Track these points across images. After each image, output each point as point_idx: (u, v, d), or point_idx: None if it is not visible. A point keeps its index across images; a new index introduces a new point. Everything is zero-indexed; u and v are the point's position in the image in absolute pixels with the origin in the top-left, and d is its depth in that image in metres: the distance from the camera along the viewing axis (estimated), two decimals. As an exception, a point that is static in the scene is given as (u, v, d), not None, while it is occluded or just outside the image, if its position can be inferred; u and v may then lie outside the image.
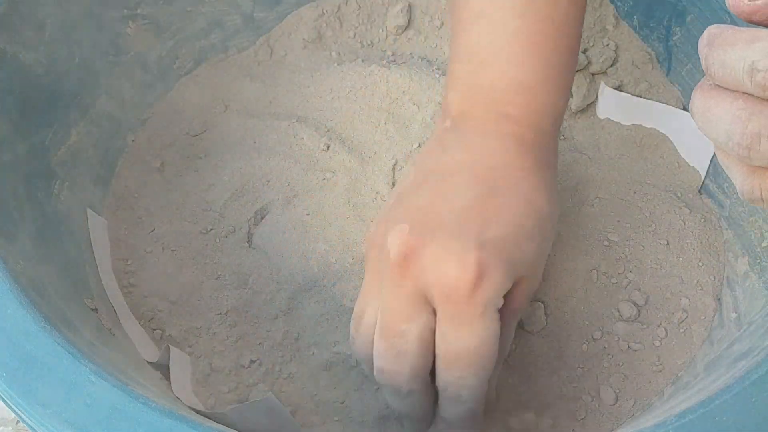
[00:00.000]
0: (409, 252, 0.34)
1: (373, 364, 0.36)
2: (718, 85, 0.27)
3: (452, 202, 0.35)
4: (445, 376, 0.35)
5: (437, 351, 0.35)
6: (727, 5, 0.27)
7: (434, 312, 0.34)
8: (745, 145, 0.26)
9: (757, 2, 0.26)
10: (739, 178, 0.28)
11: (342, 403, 0.42)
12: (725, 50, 0.26)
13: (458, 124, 0.39)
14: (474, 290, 0.33)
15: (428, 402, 0.37)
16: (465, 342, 0.34)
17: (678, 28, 0.51)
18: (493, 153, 0.38)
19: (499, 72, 0.39)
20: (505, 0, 0.39)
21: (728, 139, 0.26)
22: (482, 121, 0.39)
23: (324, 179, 0.50)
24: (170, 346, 0.41)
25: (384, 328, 0.35)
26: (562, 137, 0.52)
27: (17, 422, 0.52)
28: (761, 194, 0.28)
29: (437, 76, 0.54)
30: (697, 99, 0.28)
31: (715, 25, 0.27)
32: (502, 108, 0.39)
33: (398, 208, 0.37)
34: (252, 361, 0.43)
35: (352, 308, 0.44)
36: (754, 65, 0.25)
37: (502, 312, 0.34)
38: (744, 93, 0.26)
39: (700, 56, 0.28)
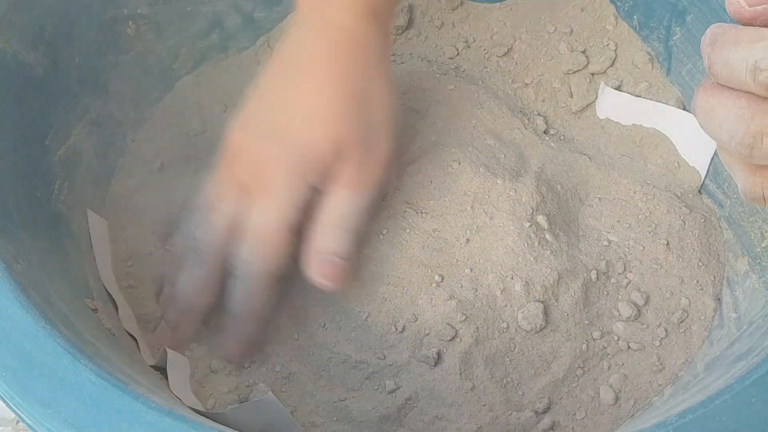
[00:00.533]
0: (230, 147, 0.43)
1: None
2: (721, 84, 0.27)
3: (265, 104, 0.44)
4: (235, 248, 0.42)
5: (238, 227, 0.42)
6: (727, 11, 0.27)
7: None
8: (748, 144, 0.26)
9: (757, 8, 0.26)
10: (741, 177, 0.28)
11: (342, 402, 0.42)
12: (728, 50, 0.26)
13: (296, 13, 0.45)
14: (262, 176, 0.42)
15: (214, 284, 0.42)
16: (256, 217, 0.41)
17: (678, 28, 0.51)
18: (304, 45, 0.43)
19: None
20: None
21: (731, 138, 0.27)
22: (309, 7, 0.44)
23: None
24: (167, 348, 0.41)
25: (206, 204, 0.43)
26: (561, 137, 0.52)
27: (17, 422, 0.52)
28: (763, 193, 0.28)
29: (437, 76, 0.54)
30: (700, 98, 0.28)
31: (717, 24, 0.27)
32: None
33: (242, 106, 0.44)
34: (252, 361, 0.43)
35: (353, 308, 0.44)
36: (757, 64, 0.25)
37: (334, 188, 0.42)
38: (746, 92, 0.26)
39: (702, 55, 0.28)
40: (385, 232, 0.45)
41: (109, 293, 0.44)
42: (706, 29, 0.28)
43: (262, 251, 0.41)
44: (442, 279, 0.44)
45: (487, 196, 0.47)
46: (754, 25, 0.27)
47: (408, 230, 0.45)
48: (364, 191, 0.43)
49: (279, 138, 0.42)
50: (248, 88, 0.55)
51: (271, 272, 0.42)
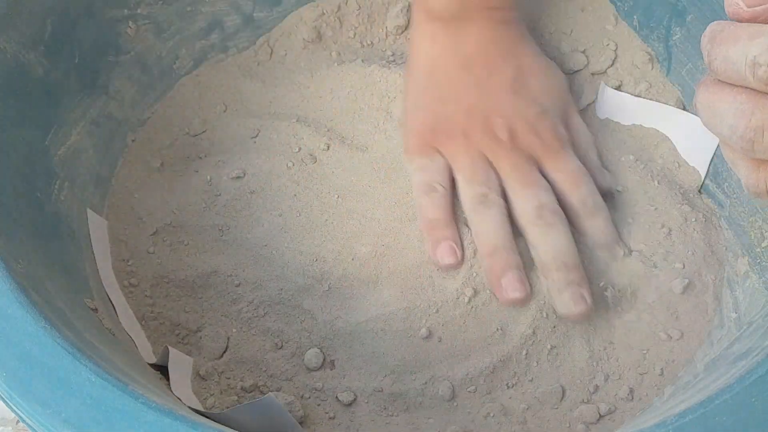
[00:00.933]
0: (512, 133, 0.47)
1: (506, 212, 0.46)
2: (721, 81, 0.27)
3: (506, 87, 0.48)
4: (579, 193, 0.47)
5: (560, 179, 0.47)
6: (726, 12, 0.28)
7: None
8: (749, 138, 0.26)
9: (756, 9, 0.27)
10: (744, 172, 0.28)
11: (342, 401, 0.42)
12: (728, 46, 0.26)
13: (449, 23, 0.48)
14: (555, 137, 0.48)
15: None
16: (572, 163, 0.48)
17: (678, 28, 0.51)
18: (475, 35, 0.48)
19: None
20: None
21: (732, 133, 0.27)
22: (472, 15, 0.48)
23: (324, 178, 0.50)
24: (168, 346, 0.41)
25: (521, 179, 0.47)
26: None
27: (17, 422, 0.52)
28: (766, 188, 0.28)
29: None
30: (701, 94, 0.28)
31: (717, 21, 0.27)
32: (487, 2, 0.48)
33: (453, 104, 0.48)
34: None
35: (354, 309, 0.44)
36: (756, 60, 0.25)
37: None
38: (746, 87, 0.26)
39: (702, 52, 0.28)
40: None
41: (109, 293, 0.44)
42: (707, 27, 0.28)
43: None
44: None
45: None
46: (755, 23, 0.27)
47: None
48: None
49: (546, 106, 0.48)
50: (248, 88, 0.55)
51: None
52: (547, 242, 0.44)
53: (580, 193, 0.46)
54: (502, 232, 0.44)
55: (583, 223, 0.46)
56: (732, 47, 0.26)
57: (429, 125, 0.48)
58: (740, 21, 0.27)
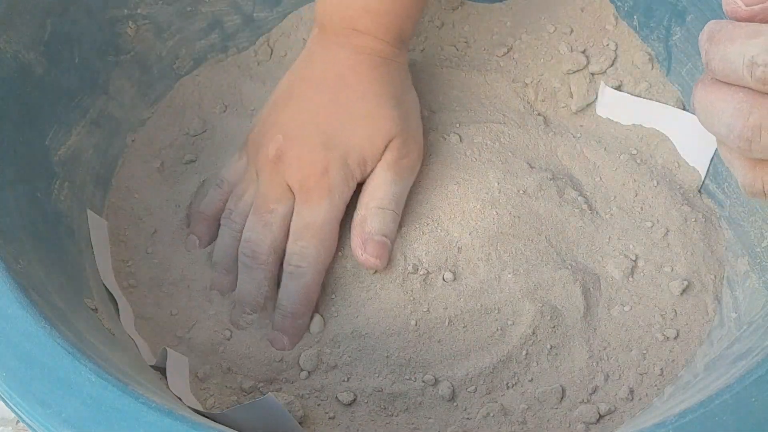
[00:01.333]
0: (280, 154, 0.45)
1: (237, 235, 0.46)
2: (719, 80, 0.27)
3: (311, 114, 0.46)
4: (292, 247, 0.44)
5: (291, 227, 0.45)
6: (724, 11, 0.28)
7: (294, 200, 0.45)
8: (746, 137, 0.26)
9: (754, 8, 0.27)
10: (741, 171, 0.28)
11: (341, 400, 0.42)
12: (726, 45, 0.26)
13: (322, 32, 0.48)
14: (319, 180, 0.44)
15: (273, 283, 0.45)
16: (312, 217, 0.44)
17: (678, 28, 0.51)
18: (343, 63, 0.47)
19: None
20: None
21: (729, 132, 0.27)
22: (338, 34, 0.47)
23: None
24: (167, 348, 0.41)
25: (258, 206, 0.45)
26: (560, 136, 0.52)
27: (17, 422, 0.52)
28: (763, 188, 0.28)
29: (437, 75, 0.54)
30: (699, 93, 0.28)
31: (715, 21, 0.28)
32: (353, 23, 0.47)
33: (274, 115, 0.47)
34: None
35: (355, 309, 0.44)
36: (754, 60, 0.25)
37: (378, 174, 0.46)
38: (744, 87, 0.26)
39: (700, 51, 0.28)
40: None
41: (109, 293, 0.44)
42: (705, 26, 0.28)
43: (319, 247, 0.44)
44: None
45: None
46: (753, 22, 0.27)
47: None
48: (405, 176, 0.47)
49: (333, 144, 0.45)
50: (248, 88, 0.55)
51: (326, 266, 0.45)
52: (239, 284, 0.45)
53: (291, 251, 0.44)
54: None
55: (282, 283, 0.45)
56: (730, 47, 0.26)
57: (256, 127, 0.48)
58: (738, 20, 0.27)
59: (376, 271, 0.45)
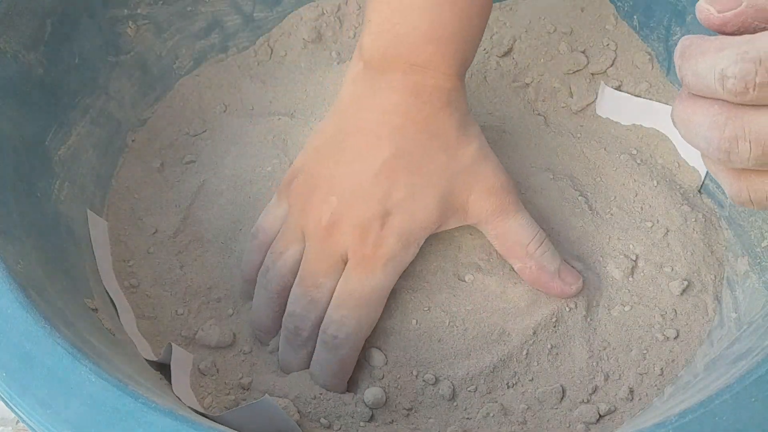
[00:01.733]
0: (335, 221, 0.41)
1: (274, 297, 0.43)
2: (695, 94, 0.28)
3: (368, 174, 0.41)
4: (332, 314, 0.41)
5: (336, 290, 0.41)
6: (698, 18, 0.28)
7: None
8: (724, 149, 0.27)
9: (726, 14, 0.27)
10: (726, 182, 0.29)
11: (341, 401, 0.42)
12: (697, 60, 0.27)
13: (369, 69, 0.43)
14: (375, 250, 0.41)
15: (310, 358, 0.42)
16: (361, 284, 0.41)
17: (678, 28, 0.51)
18: (400, 111, 0.42)
19: (410, 25, 0.42)
20: None
21: (708, 145, 0.27)
22: (390, 71, 0.42)
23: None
24: (172, 344, 0.41)
25: (305, 278, 0.42)
26: (560, 136, 0.52)
27: (17, 422, 0.52)
28: (749, 196, 0.28)
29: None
30: (677, 109, 0.28)
31: (686, 36, 0.28)
32: (411, 58, 0.42)
33: (322, 167, 0.43)
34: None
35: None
36: (724, 72, 0.26)
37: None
38: (719, 99, 0.27)
39: (676, 67, 0.28)
40: None
41: (109, 293, 0.44)
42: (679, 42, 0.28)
43: (361, 319, 0.41)
44: None
45: None
46: (724, 32, 0.27)
47: None
48: (514, 211, 0.43)
49: (395, 209, 0.41)
50: (248, 88, 0.55)
51: (366, 338, 0.42)
52: (280, 351, 0.43)
53: (330, 317, 0.41)
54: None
55: (315, 350, 0.42)
56: (701, 61, 0.27)
57: (301, 175, 0.44)
58: (711, 26, 0.28)
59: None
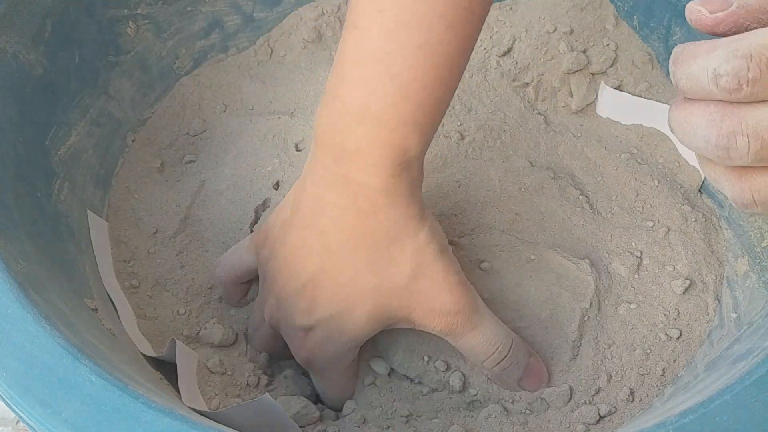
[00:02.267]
0: (274, 323, 0.41)
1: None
2: (690, 98, 0.28)
3: (295, 280, 0.40)
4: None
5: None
6: (687, 20, 0.28)
7: None
8: (723, 145, 0.27)
9: (718, 15, 0.27)
10: (728, 186, 0.29)
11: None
12: (689, 63, 0.27)
13: (316, 147, 0.39)
14: (308, 356, 0.41)
15: None
16: (316, 383, 0.43)
17: (678, 28, 0.51)
18: (327, 212, 0.38)
19: (346, 98, 0.36)
20: (377, 16, 0.35)
21: (707, 143, 0.27)
22: (326, 152, 0.38)
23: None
24: (176, 341, 0.41)
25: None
26: (560, 135, 0.52)
27: (17, 422, 0.52)
28: (752, 196, 0.28)
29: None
30: (674, 114, 0.29)
31: (679, 45, 0.28)
32: (342, 141, 0.37)
33: (273, 252, 0.41)
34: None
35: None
36: (717, 71, 0.26)
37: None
38: (714, 100, 0.27)
39: (670, 74, 0.29)
40: None
41: (109, 294, 0.44)
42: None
43: (329, 400, 0.43)
44: None
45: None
46: (716, 33, 0.28)
47: None
48: (470, 325, 0.41)
49: (309, 322, 0.40)
50: (248, 88, 0.55)
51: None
52: None
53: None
54: None
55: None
56: (693, 64, 0.27)
57: (263, 234, 0.43)
58: (702, 28, 0.28)
59: None
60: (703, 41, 0.27)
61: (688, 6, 0.28)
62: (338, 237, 0.38)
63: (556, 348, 0.43)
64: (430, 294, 0.39)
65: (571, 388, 0.42)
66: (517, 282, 0.44)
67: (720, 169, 0.29)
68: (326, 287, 0.39)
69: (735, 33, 0.27)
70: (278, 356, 0.44)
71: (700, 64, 0.27)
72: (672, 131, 0.29)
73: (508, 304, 0.44)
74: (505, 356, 0.41)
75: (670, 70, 0.28)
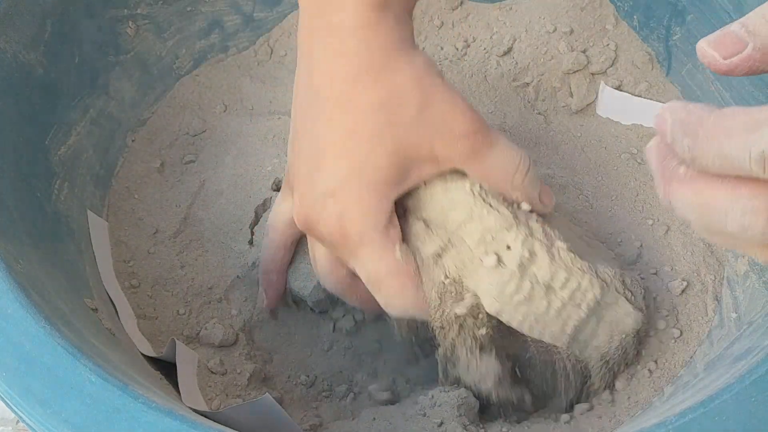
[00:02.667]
0: (302, 222, 0.39)
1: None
2: (707, 174, 0.25)
3: (309, 152, 0.38)
4: (378, 300, 0.39)
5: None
6: (701, 61, 0.27)
7: None
8: None
9: (732, 59, 0.26)
10: (761, 255, 0.26)
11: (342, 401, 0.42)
12: (720, 141, 0.24)
13: (301, 19, 0.38)
14: (342, 239, 0.38)
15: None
16: (366, 275, 0.38)
17: (678, 28, 0.51)
18: (320, 66, 0.37)
19: None
20: None
21: (744, 231, 0.25)
22: (309, 11, 0.38)
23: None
24: (176, 341, 0.41)
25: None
26: (560, 135, 0.52)
27: (17, 422, 0.52)
28: None
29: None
30: (685, 194, 0.26)
31: (678, 105, 0.25)
32: None
33: (293, 156, 0.40)
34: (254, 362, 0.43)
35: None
36: (765, 154, 0.23)
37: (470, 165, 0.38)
38: (745, 178, 0.24)
39: (673, 143, 0.25)
40: None
41: (110, 294, 0.44)
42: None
43: (392, 299, 0.39)
44: None
45: None
46: (732, 75, 0.26)
47: None
48: (487, 141, 0.39)
49: (330, 188, 0.38)
50: (248, 88, 0.55)
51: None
52: None
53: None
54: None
55: None
56: (727, 142, 0.24)
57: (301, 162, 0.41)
58: (718, 72, 0.27)
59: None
60: (727, 110, 0.24)
61: (699, 47, 0.27)
62: (336, 88, 0.37)
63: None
64: (446, 118, 0.37)
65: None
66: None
67: (757, 248, 0.26)
68: (337, 142, 0.37)
69: (751, 74, 0.26)
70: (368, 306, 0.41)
71: (738, 143, 0.24)
72: (679, 209, 0.26)
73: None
74: (529, 165, 0.40)
75: (677, 140, 0.25)
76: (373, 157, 0.37)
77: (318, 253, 0.41)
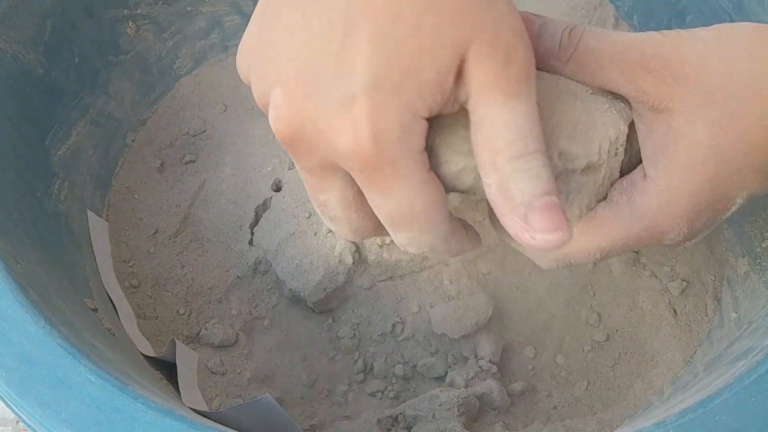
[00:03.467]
0: (293, 134, 0.29)
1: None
2: None
3: (320, 35, 0.27)
4: (397, 239, 0.31)
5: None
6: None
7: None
8: None
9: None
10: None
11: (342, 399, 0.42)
12: None
13: None
14: (375, 153, 0.27)
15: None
16: (392, 207, 0.29)
17: (678, 28, 0.51)
18: None
19: None
20: None
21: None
22: None
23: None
24: (176, 341, 0.41)
25: (311, 199, 0.32)
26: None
27: (17, 422, 0.52)
28: None
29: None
30: None
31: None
32: None
33: (263, 36, 0.31)
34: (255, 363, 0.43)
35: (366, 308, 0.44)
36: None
37: (480, 105, 0.28)
38: None
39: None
40: None
41: (110, 294, 0.44)
42: None
43: (433, 229, 0.31)
44: None
45: None
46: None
47: None
48: (522, 90, 0.28)
49: (352, 90, 0.27)
50: (248, 88, 0.55)
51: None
52: None
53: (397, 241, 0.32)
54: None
55: None
56: None
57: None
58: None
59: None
60: None
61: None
62: None
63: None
64: (494, 14, 0.28)
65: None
66: (516, 285, 0.44)
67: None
68: (378, 19, 0.26)
69: None
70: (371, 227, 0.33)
71: None
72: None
73: (510, 306, 0.44)
74: (530, 155, 0.28)
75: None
76: (434, 53, 0.27)
77: (333, 195, 0.31)
